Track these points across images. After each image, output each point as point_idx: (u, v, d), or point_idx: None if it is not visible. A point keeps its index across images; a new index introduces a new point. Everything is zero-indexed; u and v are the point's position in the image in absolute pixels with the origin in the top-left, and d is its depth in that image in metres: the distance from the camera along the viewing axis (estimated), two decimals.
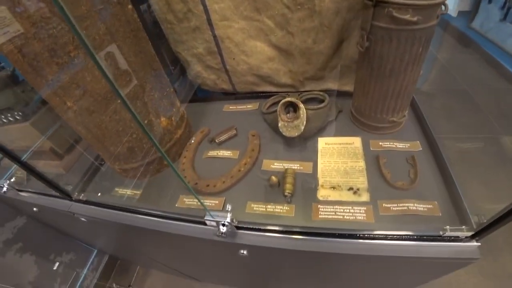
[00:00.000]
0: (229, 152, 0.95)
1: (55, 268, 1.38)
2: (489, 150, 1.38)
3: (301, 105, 0.83)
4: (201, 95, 1.24)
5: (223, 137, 0.98)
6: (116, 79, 0.79)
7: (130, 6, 0.82)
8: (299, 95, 1.00)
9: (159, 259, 1.33)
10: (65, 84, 0.72)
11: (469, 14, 2.69)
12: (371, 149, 0.88)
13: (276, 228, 0.70)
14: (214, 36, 0.96)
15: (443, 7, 0.69)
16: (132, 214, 0.85)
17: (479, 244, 0.65)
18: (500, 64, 2.35)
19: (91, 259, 1.59)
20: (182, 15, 0.95)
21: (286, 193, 0.76)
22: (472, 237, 0.64)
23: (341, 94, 1.05)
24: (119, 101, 0.82)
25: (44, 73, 0.68)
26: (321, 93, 0.99)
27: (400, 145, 0.88)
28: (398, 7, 0.66)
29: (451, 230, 0.64)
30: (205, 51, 1.02)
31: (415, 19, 0.66)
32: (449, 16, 2.81)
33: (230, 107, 1.15)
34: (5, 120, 1.05)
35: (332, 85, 1.03)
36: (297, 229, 0.69)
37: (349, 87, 1.01)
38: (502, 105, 2.06)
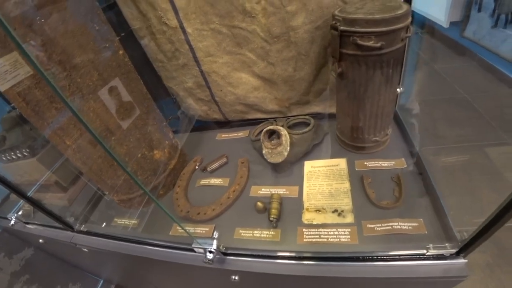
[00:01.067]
0: (219, 180, 0.98)
1: None
2: (478, 160, 1.36)
3: (283, 132, 0.86)
4: (196, 125, 1.30)
5: (215, 165, 1.02)
6: (120, 111, 0.86)
7: (121, 52, 0.90)
8: (286, 120, 1.04)
9: (163, 287, 1.34)
10: (63, 125, 0.79)
11: (461, 24, 2.73)
12: (356, 169, 0.90)
13: (262, 253, 0.72)
14: (201, 72, 1.02)
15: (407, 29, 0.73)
16: (130, 244, 0.88)
17: (466, 260, 0.64)
18: (496, 69, 2.37)
19: None
20: (171, 54, 1.02)
21: (271, 218, 0.79)
22: (457, 254, 0.64)
23: (328, 116, 1.08)
24: (113, 138, 0.88)
25: (45, 117, 0.75)
26: (307, 117, 1.03)
27: (385, 164, 0.90)
28: (361, 35, 0.70)
29: (434, 248, 0.64)
30: (195, 85, 1.08)
31: (378, 45, 0.70)
32: (442, 27, 2.85)
33: (223, 135, 1.20)
34: (14, 157, 1.12)
35: (318, 108, 1.07)
36: (281, 254, 0.71)
37: (334, 109, 1.04)
38: (501, 108, 2.06)
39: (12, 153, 1.12)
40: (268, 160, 0.88)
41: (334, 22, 0.74)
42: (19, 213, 1.14)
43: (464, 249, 0.63)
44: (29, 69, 0.68)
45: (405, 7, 0.71)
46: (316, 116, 1.06)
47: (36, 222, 1.09)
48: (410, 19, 0.72)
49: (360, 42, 0.70)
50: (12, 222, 1.10)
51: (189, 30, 0.94)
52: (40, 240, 1.11)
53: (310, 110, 1.07)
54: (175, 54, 1.01)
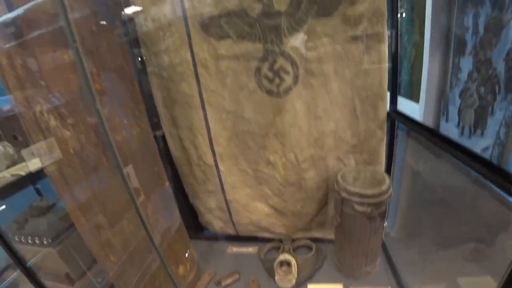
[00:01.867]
0: None
1: None
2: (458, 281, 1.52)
3: (293, 262, 1.06)
4: (208, 235, 1.48)
5: (228, 281, 1.18)
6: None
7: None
8: (291, 243, 1.25)
9: None
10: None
11: None
12: None
13: None
14: (225, 199, 1.25)
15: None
16: None
17: None
18: (469, 171, 2.73)
19: None
20: (202, 181, 1.25)
21: None
22: None
23: (326, 241, 1.29)
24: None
25: (73, 191, 0.78)
26: (309, 242, 1.24)
27: None
28: (357, 203, 0.96)
29: None
30: (216, 207, 1.30)
31: (369, 210, 0.95)
32: None
33: (234, 249, 1.38)
34: (30, 241, 1.13)
35: (319, 234, 1.30)
36: None
37: (332, 235, 1.26)
38: (475, 209, 2.31)
39: (30, 238, 1.13)
40: (279, 286, 1.05)
41: (337, 187, 1.00)
42: None
43: None
44: (60, 154, 0.73)
45: (387, 181, 0.99)
46: (317, 240, 1.27)
47: None
48: (391, 190, 0.99)
49: (356, 207, 0.95)
50: None
51: (221, 168, 1.19)
52: None
53: (312, 235, 1.29)
54: (205, 181, 1.25)
